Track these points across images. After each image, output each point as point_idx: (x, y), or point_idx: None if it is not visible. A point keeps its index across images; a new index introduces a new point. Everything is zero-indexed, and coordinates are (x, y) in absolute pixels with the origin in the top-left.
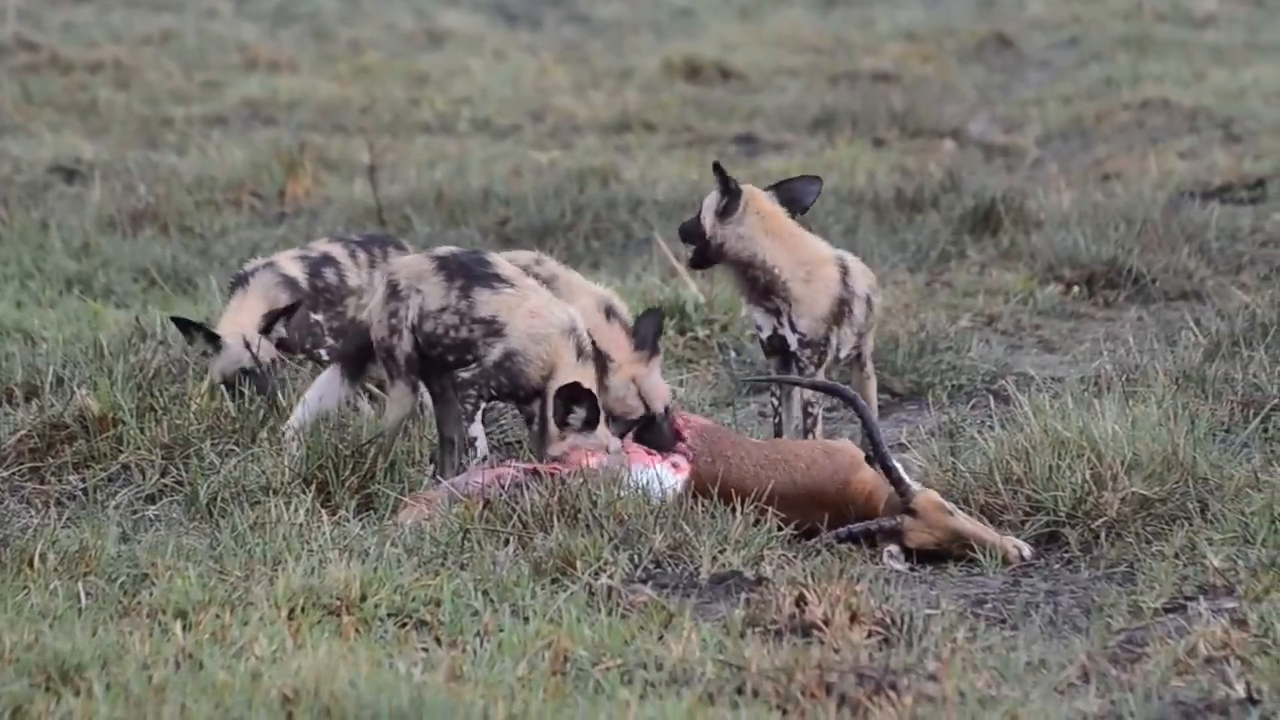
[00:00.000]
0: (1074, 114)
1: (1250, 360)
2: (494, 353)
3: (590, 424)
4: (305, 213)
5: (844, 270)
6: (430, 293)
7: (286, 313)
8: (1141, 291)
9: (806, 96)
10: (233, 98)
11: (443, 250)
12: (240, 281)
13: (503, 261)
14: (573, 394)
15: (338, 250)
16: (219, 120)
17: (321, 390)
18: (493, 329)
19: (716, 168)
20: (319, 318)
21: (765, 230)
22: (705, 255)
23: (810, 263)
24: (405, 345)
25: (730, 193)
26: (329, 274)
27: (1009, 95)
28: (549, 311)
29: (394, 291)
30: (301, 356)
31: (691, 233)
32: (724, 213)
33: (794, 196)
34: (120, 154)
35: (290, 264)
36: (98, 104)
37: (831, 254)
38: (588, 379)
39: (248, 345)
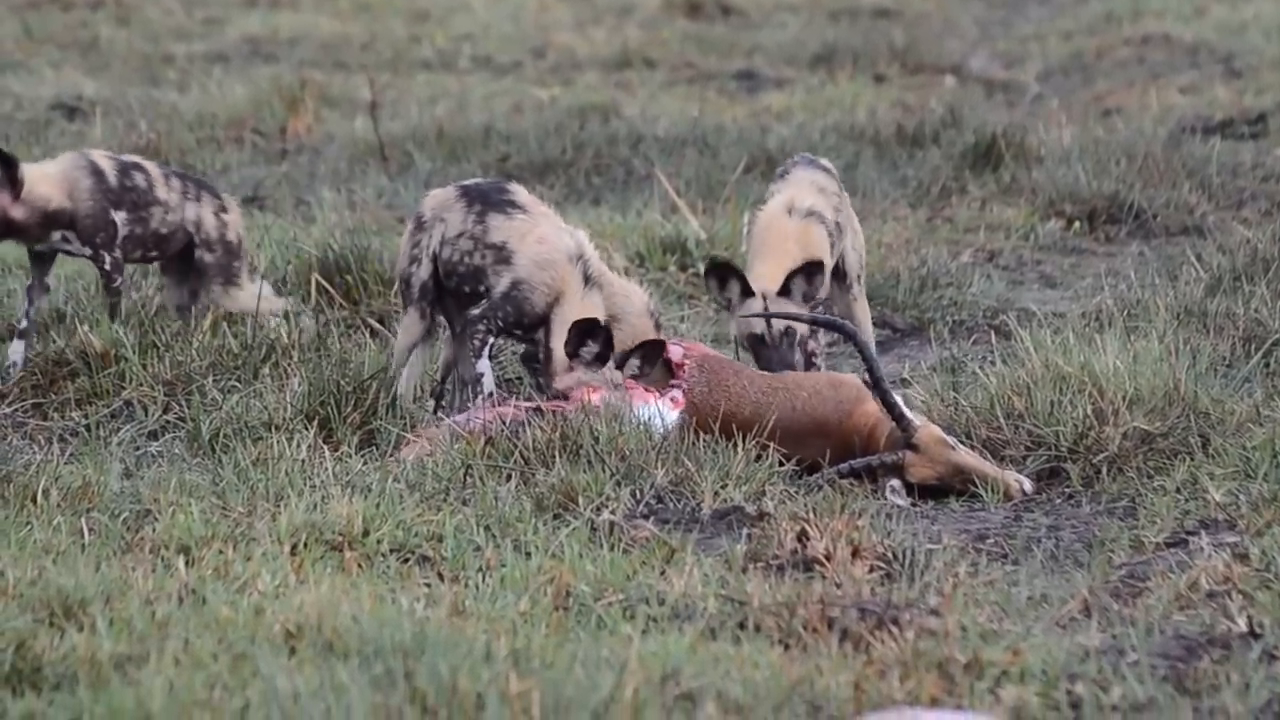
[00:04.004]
0: (1074, 49)
1: (1252, 295)
2: (502, 283)
3: (601, 359)
4: (307, 149)
5: (790, 206)
6: (451, 220)
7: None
8: (1143, 226)
9: (807, 32)
10: (234, 34)
11: (469, 181)
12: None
13: (521, 190)
14: (588, 328)
15: (151, 167)
16: (220, 57)
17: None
18: (502, 256)
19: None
20: (120, 216)
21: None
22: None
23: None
24: (423, 273)
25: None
26: (138, 178)
27: (1009, 30)
28: (556, 238)
29: (419, 224)
30: (88, 252)
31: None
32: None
33: None
34: (121, 91)
35: (102, 159)
36: (99, 41)
37: (783, 200)
38: (596, 307)
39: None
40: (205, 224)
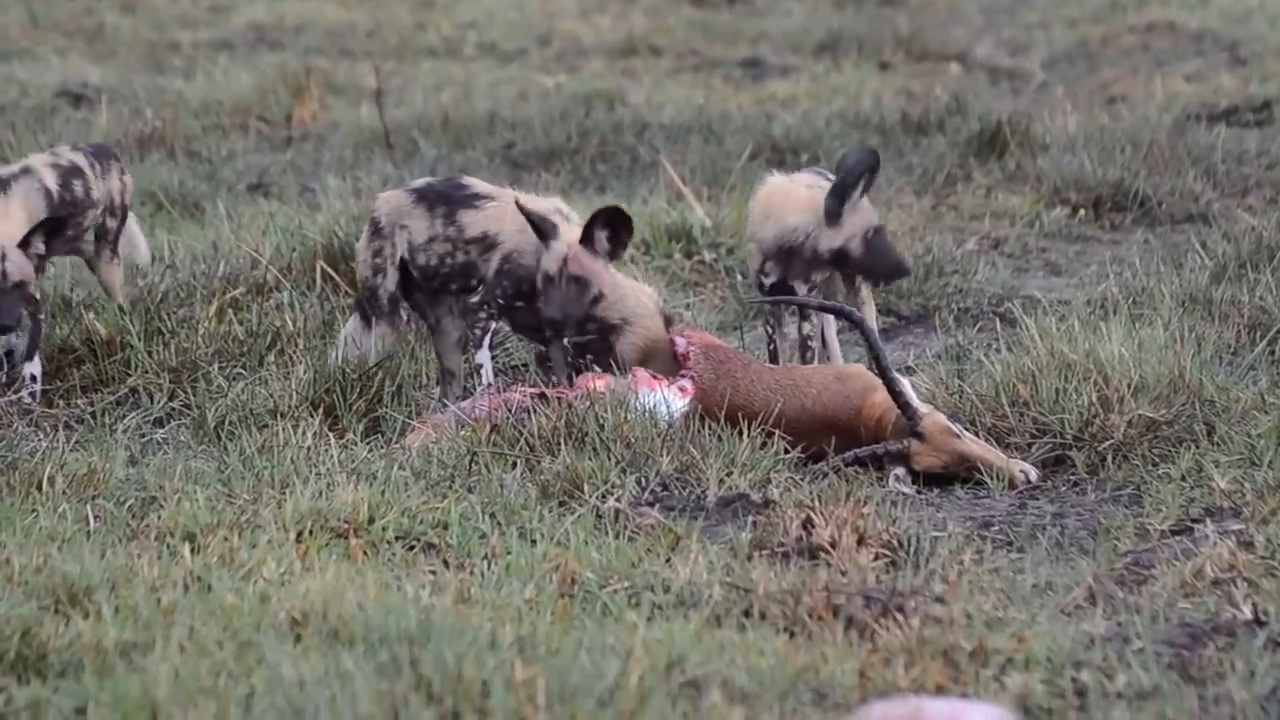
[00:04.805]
0: (1079, 37)
1: (1257, 283)
2: (493, 263)
3: (615, 251)
4: (312, 137)
5: (793, 179)
6: (415, 226)
7: (48, 227)
8: (1148, 214)
9: (812, 20)
10: (239, 22)
11: (419, 183)
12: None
13: (476, 180)
14: (609, 215)
15: (80, 160)
16: (225, 44)
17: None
18: (487, 244)
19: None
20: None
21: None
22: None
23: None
24: (389, 284)
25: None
26: (77, 186)
27: (1015, 18)
28: (534, 204)
29: (377, 230)
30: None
31: None
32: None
33: None
34: (127, 78)
35: (46, 173)
36: (104, 28)
37: (786, 176)
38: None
39: (3, 256)
40: (113, 191)
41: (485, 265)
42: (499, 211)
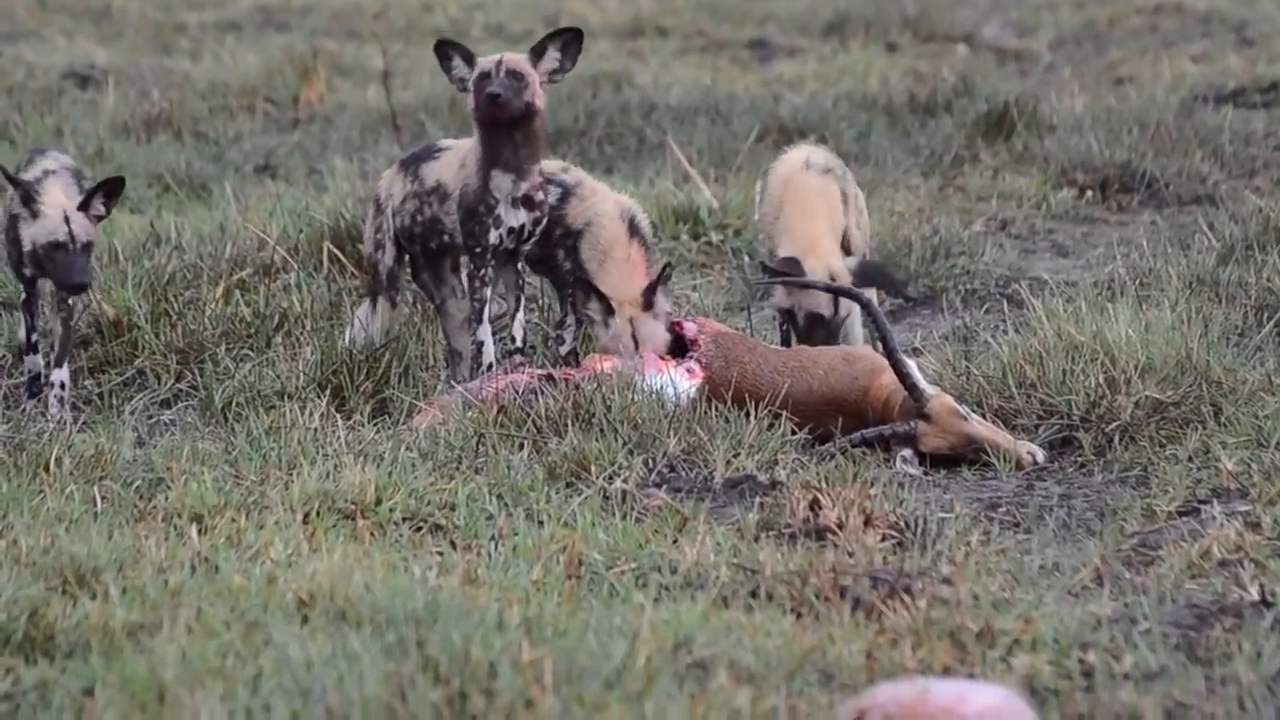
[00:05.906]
0: (1087, 18)
1: (1264, 264)
2: (453, 212)
3: (564, 67)
4: (319, 118)
5: (807, 161)
6: (395, 192)
7: (108, 187)
8: (1155, 195)
9: (819, 1)
10: (246, 3)
11: (406, 154)
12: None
13: (449, 141)
14: (568, 40)
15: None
16: (232, 26)
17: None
18: (441, 193)
19: None
20: None
21: None
22: None
23: None
24: (388, 259)
25: None
26: None
27: None
28: (464, 143)
29: (378, 207)
30: None
31: None
32: None
33: None
34: (134, 59)
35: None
36: (111, 9)
37: (799, 155)
38: None
39: (66, 219)
40: None
41: (448, 217)
42: (450, 158)
